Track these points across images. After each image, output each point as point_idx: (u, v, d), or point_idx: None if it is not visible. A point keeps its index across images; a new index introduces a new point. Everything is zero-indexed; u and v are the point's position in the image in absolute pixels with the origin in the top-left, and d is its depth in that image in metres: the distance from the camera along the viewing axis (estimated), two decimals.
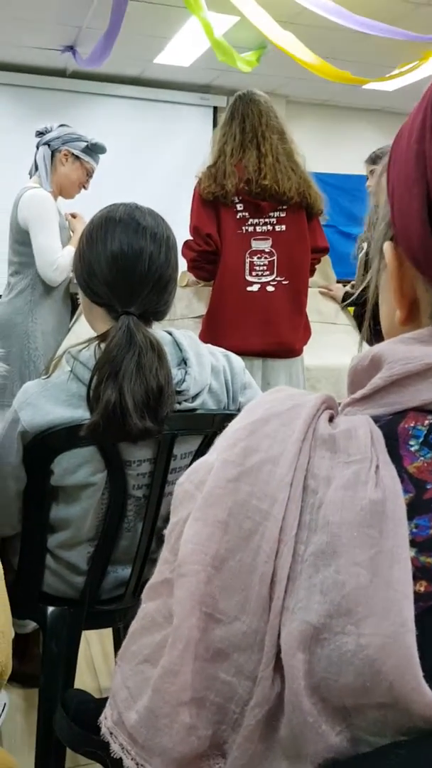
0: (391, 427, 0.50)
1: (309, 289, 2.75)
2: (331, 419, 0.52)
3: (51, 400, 1.27)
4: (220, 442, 0.53)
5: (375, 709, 0.43)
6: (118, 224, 1.29)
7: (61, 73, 6.13)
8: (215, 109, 6.52)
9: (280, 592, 0.46)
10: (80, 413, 1.25)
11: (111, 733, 0.53)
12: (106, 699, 1.42)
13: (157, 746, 0.49)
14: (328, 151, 6.76)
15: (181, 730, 0.48)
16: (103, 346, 1.26)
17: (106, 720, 0.54)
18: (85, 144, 2.83)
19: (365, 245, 3.35)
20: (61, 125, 2.87)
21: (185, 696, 0.48)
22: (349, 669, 0.42)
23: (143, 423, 1.20)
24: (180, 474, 1.40)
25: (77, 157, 2.83)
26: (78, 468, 1.30)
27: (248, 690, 0.47)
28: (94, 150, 2.86)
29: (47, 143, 2.81)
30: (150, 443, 1.31)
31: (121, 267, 1.27)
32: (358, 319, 3.39)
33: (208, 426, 1.38)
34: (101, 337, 1.29)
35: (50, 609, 1.44)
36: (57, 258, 2.73)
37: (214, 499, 0.49)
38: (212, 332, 2.53)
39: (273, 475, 0.48)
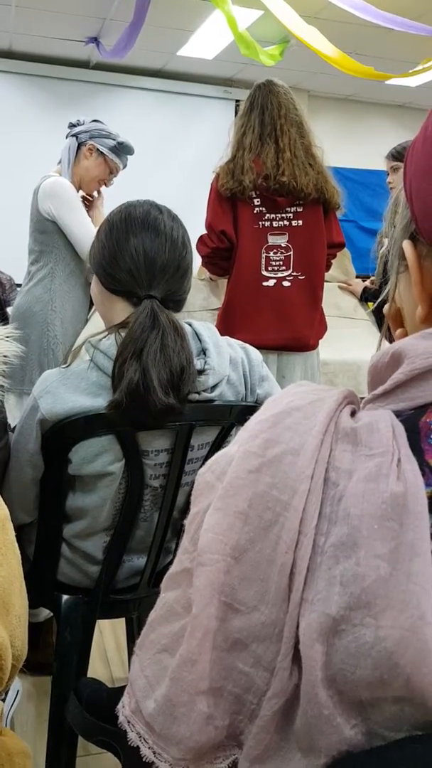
0: (412, 422, 0.50)
1: (328, 284, 2.74)
2: (352, 414, 0.52)
3: (71, 388, 1.29)
4: (242, 433, 0.53)
5: (391, 703, 0.43)
6: (138, 222, 1.34)
7: (84, 64, 6.14)
8: (237, 102, 6.50)
9: (299, 583, 0.46)
10: (100, 402, 1.27)
11: (128, 722, 0.53)
12: (118, 689, 1.44)
13: (174, 735, 0.50)
14: (350, 146, 6.72)
15: (199, 719, 0.49)
16: (123, 332, 1.28)
17: (124, 708, 0.55)
18: (113, 143, 2.83)
19: (385, 241, 3.33)
20: (94, 120, 2.87)
21: (203, 685, 0.48)
22: (366, 661, 0.43)
23: (167, 399, 1.21)
24: (197, 465, 1.41)
25: (102, 153, 2.83)
26: (96, 457, 1.32)
27: (266, 681, 0.47)
28: (122, 150, 2.85)
29: (75, 135, 2.83)
30: (167, 433, 1.32)
31: (143, 258, 1.31)
32: (377, 315, 3.39)
33: (225, 417, 1.39)
34: (121, 325, 1.31)
35: (65, 597, 1.44)
36: None
37: (234, 489, 0.50)
38: (227, 326, 2.53)
39: (294, 467, 0.48)
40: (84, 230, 2.74)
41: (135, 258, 1.32)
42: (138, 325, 1.25)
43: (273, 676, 0.47)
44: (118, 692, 1.35)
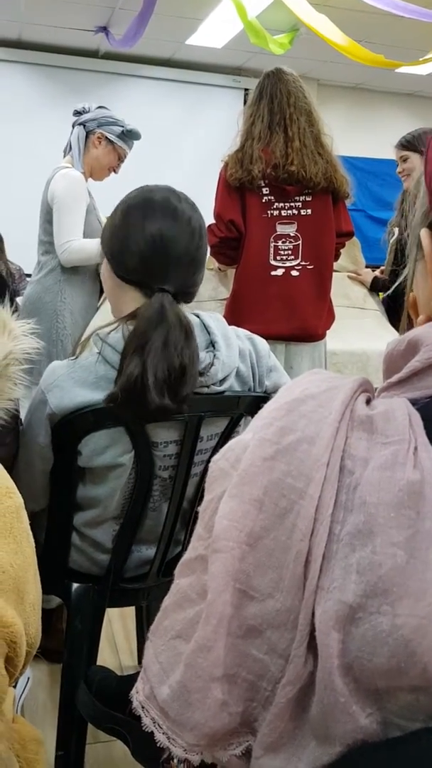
0: (429, 410, 0.50)
1: (337, 274, 2.73)
2: (368, 402, 0.52)
3: (78, 382, 1.28)
4: (256, 421, 0.53)
5: (407, 692, 0.43)
6: (156, 207, 1.31)
7: (93, 53, 6.12)
8: (246, 91, 6.46)
9: (315, 571, 0.46)
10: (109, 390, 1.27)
11: (143, 707, 0.53)
12: (128, 677, 1.45)
13: (188, 721, 0.50)
14: (360, 135, 6.68)
15: (213, 705, 0.49)
16: (131, 325, 1.27)
17: (138, 694, 0.55)
18: (121, 129, 2.82)
19: (396, 230, 3.32)
20: (100, 107, 2.86)
21: (217, 672, 0.49)
22: (383, 649, 0.43)
23: (161, 400, 1.20)
24: (205, 456, 1.42)
25: (111, 141, 2.82)
26: (106, 449, 1.32)
27: (280, 668, 0.47)
28: (129, 136, 2.85)
29: (83, 124, 2.82)
30: (176, 425, 1.32)
31: (159, 246, 1.29)
32: (387, 305, 3.37)
33: (234, 408, 1.39)
34: (130, 317, 1.30)
35: (75, 586, 1.45)
36: (72, 240, 2.72)
37: (249, 477, 0.50)
38: (235, 315, 2.53)
39: (309, 455, 0.48)
40: (65, 224, 2.73)
41: (150, 246, 1.28)
42: (144, 320, 1.24)
43: (288, 664, 0.47)
44: (128, 680, 1.36)
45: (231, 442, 0.55)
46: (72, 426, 1.30)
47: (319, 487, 0.47)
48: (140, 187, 1.38)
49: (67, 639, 1.45)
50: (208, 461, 1.43)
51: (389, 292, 3.27)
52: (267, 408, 0.54)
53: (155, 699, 0.52)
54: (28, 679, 1.07)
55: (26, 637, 0.65)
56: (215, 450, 1.43)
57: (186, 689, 0.50)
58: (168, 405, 1.21)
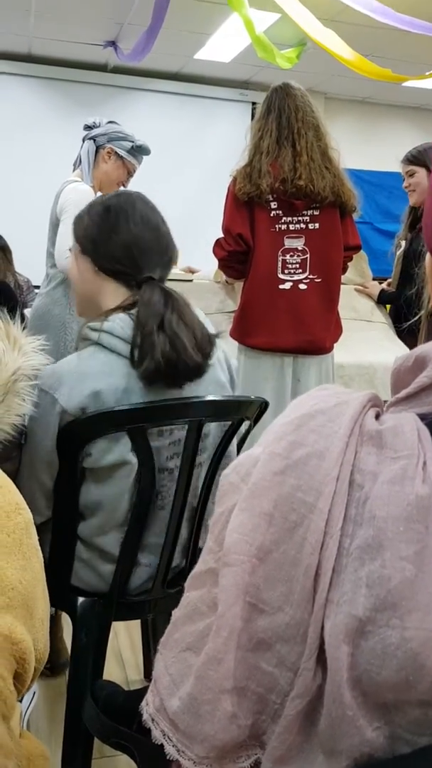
0: None
1: (344, 286, 2.74)
2: (377, 417, 0.53)
3: (83, 374, 1.32)
4: (267, 436, 0.54)
5: (416, 706, 0.43)
6: (137, 205, 1.44)
7: (102, 67, 6.18)
8: (254, 104, 6.51)
9: (324, 584, 0.46)
10: (114, 380, 1.32)
11: (152, 720, 0.54)
12: (135, 691, 1.44)
13: (198, 733, 0.50)
14: (367, 148, 6.71)
15: (223, 718, 0.49)
16: (128, 313, 1.35)
17: (148, 706, 0.55)
18: (131, 145, 2.85)
19: (402, 243, 3.33)
20: (110, 122, 2.89)
21: (227, 684, 0.49)
22: (392, 662, 0.43)
23: (198, 358, 1.34)
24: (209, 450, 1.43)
25: (120, 156, 2.85)
26: (113, 446, 1.33)
27: (289, 681, 0.48)
28: (138, 151, 2.87)
29: (93, 138, 2.84)
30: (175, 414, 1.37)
31: (145, 238, 1.41)
32: (394, 318, 3.38)
33: (236, 412, 1.43)
34: (124, 308, 1.36)
35: (80, 599, 1.45)
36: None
37: (260, 491, 0.50)
38: (243, 328, 2.54)
39: (319, 469, 0.49)
40: (67, 233, 2.75)
41: (136, 238, 1.40)
42: (154, 302, 1.34)
43: (297, 677, 0.47)
44: (135, 695, 1.35)
45: (241, 457, 0.56)
46: (77, 431, 1.32)
47: (328, 501, 0.47)
48: (113, 191, 1.51)
49: (73, 653, 1.44)
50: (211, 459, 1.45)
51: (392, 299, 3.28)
52: (277, 423, 0.54)
53: (165, 711, 0.52)
54: (34, 693, 1.07)
55: (35, 652, 0.66)
56: (219, 447, 1.46)
57: (196, 701, 0.50)
58: (201, 362, 1.36)
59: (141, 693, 1.32)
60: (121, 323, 1.34)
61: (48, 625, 0.70)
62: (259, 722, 0.49)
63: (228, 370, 1.53)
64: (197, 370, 1.35)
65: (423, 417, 0.51)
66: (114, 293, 1.42)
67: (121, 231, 1.40)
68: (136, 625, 2.19)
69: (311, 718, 0.47)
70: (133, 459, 1.34)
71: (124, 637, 2.30)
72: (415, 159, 3.07)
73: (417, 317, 0.67)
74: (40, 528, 1.45)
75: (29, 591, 0.66)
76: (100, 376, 1.32)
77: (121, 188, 1.37)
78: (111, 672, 2.08)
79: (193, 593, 0.55)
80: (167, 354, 1.30)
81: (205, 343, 1.38)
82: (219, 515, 0.54)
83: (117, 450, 1.33)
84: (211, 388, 1.44)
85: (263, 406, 1.51)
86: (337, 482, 0.48)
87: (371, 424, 0.51)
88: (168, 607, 1.65)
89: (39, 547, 0.73)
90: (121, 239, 1.40)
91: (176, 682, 0.52)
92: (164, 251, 1.44)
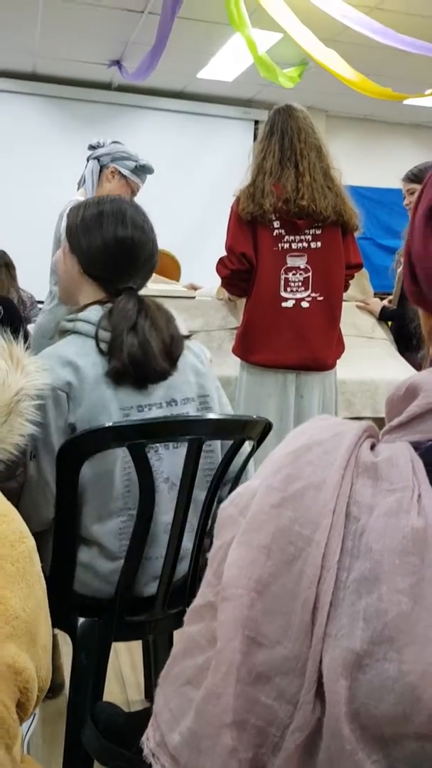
0: (430, 456, 0.51)
1: (346, 303, 2.75)
2: (372, 447, 0.53)
3: (61, 356, 1.40)
4: (264, 468, 0.54)
5: (413, 739, 0.43)
6: (128, 215, 1.51)
7: (106, 86, 6.24)
8: (256, 122, 6.57)
9: (322, 618, 0.46)
10: (91, 359, 1.40)
11: (153, 755, 0.53)
12: (135, 713, 1.42)
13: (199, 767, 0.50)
14: (367, 164, 6.75)
15: (223, 752, 0.49)
16: (103, 306, 1.45)
17: (149, 741, 0.55)
18: (134, 164, 2.87)
19: (403, 260, 3.34)
20: (114, 142, 2.91)
21: (227, 718, 0.49)
22: (389, 696, 0.43)
23: (164, 364, 1.44)
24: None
25: (124, 176, 2.87)
26: (97, 415, 1.38)
27: (288, 714, 0.47)
28: (142, 171, 2.89)
29: (97, 158, 2.87)
30: (160, 387, 1.46)
31: (128, 250, 1.49)
32: (395, 334, 3.39)
33: (239, 432, 1.45)
34: (100, 303, 1.47)
35: (81, 620, 1.44)
36: None
37: (257, 524, 0.51)
38: (246, 346, 2.55)
39: (316, 502, 0.49)
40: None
41: (121, 250, 1.49)
42: (128, 309, 1.43)
43: (296, 710, 0.47)
44: (135, 717, 1.34)
45: (239, 489, 0.56)
46: (76, 448, 1.34)
47: (325, 533, 0.48)
48: (103, 196, 1.59)
49: (73, 674, 1.43)
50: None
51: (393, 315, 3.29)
52: (275, 454, 0.54)
53: (166, 746, 0.53)
54: (34, 715, 1.07)
55: (37, 680, 0.66)
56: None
57: (197, 736, 0.50)
58: (167, 369, 1.45)
59: (141, 715, 1.32)
60: (96, 313, 1.45)
61: (50, 652, 0.71)
62: (259, 755, 0.49)
63: (202, 361, 1.60)
64: (163, 375, 1.44)
65: (416, 446, 0.52)
66: (94, 294, 1.52)
67: (110, 238, 1.48)
68: (137, 644, 2.17)
69: (311, 751, 0.47)
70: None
71: (125, 657, 2.29)
72: (416, 177, 3.09)
73: (416, 332, 0.67)
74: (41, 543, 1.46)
75: (32, 619, 0.66)
76: (77, 356, 1.40)
77: (113, 195, 1.46)
78: (112, 692, 2.07)
79: (192, 627, 0.55)
80: (135, 355, 1.39)
81: (175, 348, 1.47)
82: (217, 548, 0.55)
83: (102, 419, 1.38)
84: (183, 377, 1.50)
85: (267, 427, 1.51)
86: (333, 515, 0.48)
87: (366, 455, 0.51)
88: (169, 628, 1.65)
89: (41, 574, 0.74)
90: (108, 246, 1.48)
91: (176, 717, 0.52)
92: (148, 260, 1.54)
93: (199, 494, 1.47)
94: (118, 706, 1.35)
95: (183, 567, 1.50)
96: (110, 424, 1.39)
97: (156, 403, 1.46)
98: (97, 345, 1.41)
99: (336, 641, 0.45)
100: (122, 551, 1.42)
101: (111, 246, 1.48)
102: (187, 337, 1.55)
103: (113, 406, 1.40)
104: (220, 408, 1.60)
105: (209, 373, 1.59)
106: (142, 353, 1.40)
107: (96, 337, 1.41)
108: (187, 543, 1.47)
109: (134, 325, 1.41)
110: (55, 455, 1.38)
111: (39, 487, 1.41)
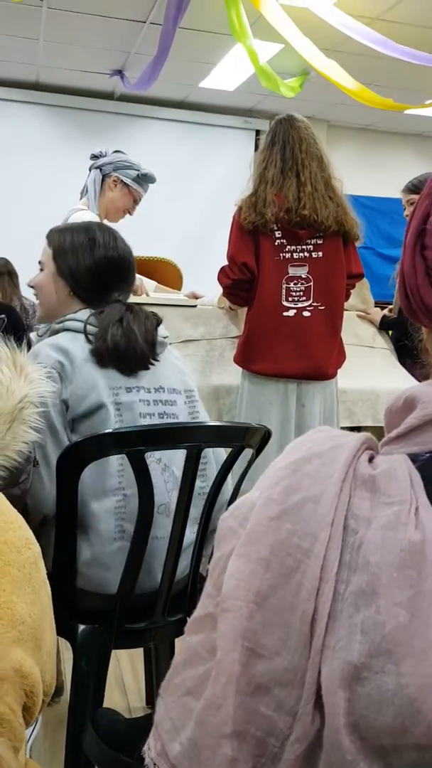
0: (429, 469, 0.51)
1: (347, 313, 2.76)
2: (371, 459, 0.54)
3: (52, 344, 1.49)
4: (263, 480, 0.55)
5: (412, 749, 0.43)
6: (114, 234, 1.64)
7: (108, 95, 6.28)
8: (257, 132, 6.60)
9: (320, 630, 0.46)
10: (78, 344, 1.49)
11: (154, 764, 0.54)
12: (136, 719, 1.42)
13: None
14: (369, 174, 6.78)
15: (223, 762, 0.49)
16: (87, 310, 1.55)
17: (150, 751, 0.55)
18: (136, 173, 2.89)
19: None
20: (116, 151, 2.93)
21: (227, 729, 0.49)
22: (388, 708, 0.43)
23: (146, 350, 1.53)
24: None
25: (126, 185, 2.89)
26: (89, 393, 1.44)
27: (288, 725, 0.48)
28: (144, 180, 2.91)
29: (99, 167, 2.88)
30: (148, 373, 1.56)
31: (115, 264, 1.61)
32: (395, 343, 3.40)
33: (240, 439, 1.45)
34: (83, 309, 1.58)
35: (81, 627, 1.44)
36: None
37: (256, 536, 0.51)
38: (247, 355, 2.56)
39: (314, 514, 0.49)
40: None
41: (110, 267, 1.60)
42: (116, 308, 1.55)
43: (295, 721, 0.47)
44: (136, 723, 1.34)
45: (239, 501, 0.57)
46: (75, 454, 1.35)
47: (324, 546, 0.48)
48: (84, 223, 1.73)
49: (74, 681, 1.43)
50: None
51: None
52: (274, 466, 0.55)
53: (167, 755, 0.53)
54: (37, 720, 1.07)
55: (42, 685, 0.66)
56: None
57: (197, 746, 0.50)
58: (148, 354, 1.54)
59: (142, 721, 1.32)
60: (85, 313, 1.55)
61: (55, 658, 0.71)
62: (259, 765, 0.49)
63: (183, 363, 1.69)
64: (145, 360, 1.54)
65: (414, 457, 0.52)
66: (79, 311, 1.60)
67: (101, 258, 1.60)
68: (138, 651, 2.17)
69: (311, 761, 0.47)
70: (108, 402, 1.46)
71: (126, 664, 2.29)
72: (416, 188, 3.11)
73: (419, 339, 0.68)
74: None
75: (38, 624, 0.67)
76: (67, 342, 1.49)
77: (87, 221, 1.65)
78: (113, 699, 2.07)
79: (193, 638, 0.55)
80: (117, 341, 1.49)
81: (156, 338, 1.58)
82: (217, 560, 0.55)
83: (93, 395, 1.45)
84: (168, 371, 1.60)
85: (266, 435, 1.52)
86: (331, 527, 0.48)
87: (365, 468, 0.52)
88: (169, 636, 1.65)
89: (47, 580, 0.74)
90: (98, 266, 1.60)
91: (177, 727, 0.53)
92: (131, 274, 1.68)
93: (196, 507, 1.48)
94: (118, 712, 1.36)
95: (183, 565, 1.50)
96: (110, 430, 1.41)
97: (144, 387, 1.54)
98: (86, 335, 1.51)
99: (334, 653, 0.46)
100: (118, 533, 1.43)
101: (101, 266, 1.59)
102: (165, 337, 1.65)
103: (102, 384, 1.47)
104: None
105: (190, 374, 1.69)
106: (125, 339, 1.50)
107: (84, 331, 1.51)
108: (190, 534, 1.49)
109: (120, 319, 1.52)
110: (56, 434, 1.43)
111: (38, 473, 1.44)
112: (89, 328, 1.52)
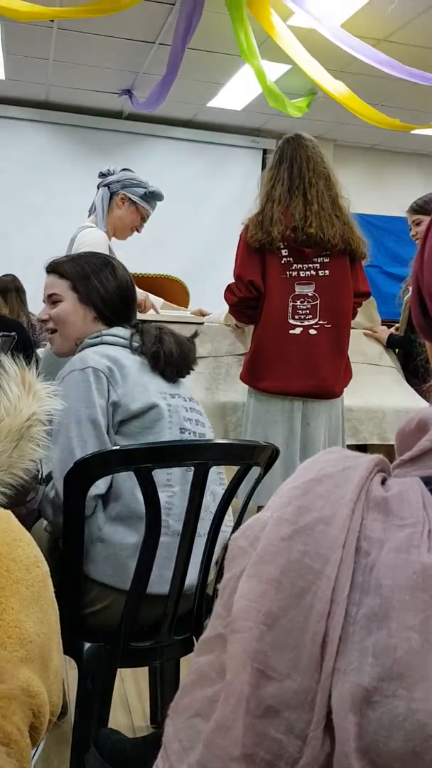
0: None
1: (354, 331, 2.76)
2: (383, 481, 0.53)
3: (99, 352, 1.54)
4: (275, 500, 0.54)
5: None
6: (115, 264, 1.71)
7: (117, 114, 6.35)
8: (265, 151, 6.65)
9: (331, 652, 0.46)
10: (124, 353, 1.55)
11: None
12: (140, 739, 1.40)
13: None
14: (375, 193, 6.82)
15: None
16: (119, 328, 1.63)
17: None
18: (144, 191, 2.91)
19: (410, 288, 3.35)
20: (124, 169, 2.95)
21: (236, 751, 0.48)
22: (399, 733, 0.43)
23: (191, 359, 1.65)
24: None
25: (133, 202, 2.91)
26: (138, 394, 1.50)
27: (298, 748, 0.47)
28: (152, 197, 2.93)
29: (107, 185, 2.91)
30: (181, 384, 1.64)
31: (131, 287, 1.71)
32: (402, 362, 3.39)
33: (248, 457, 1.46)
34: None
35: (86, 645, 1.44)
36: None
37: (268, 556, 0.51)
38: (253, 372, 2.56)
39: (326, 535, 0.49)
40: None
41: (129, 289, 1.70)
42: (151, 327, 1.64)
43: (305, 745, 0.47)
44: (141, 742, 1.33)
45: (250, 520, 0.56)
46: (84, 470, 1.35)
47: (335, 568, 0.48)
48: (82, 252, 1.84)
49: (78, 700, 1.43)
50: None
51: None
52: (285, 487, 0.55)
53: None
54: (42, 740, 1.06)
55: (49, 704, 0.66)
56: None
57: None
58: (191, 364, 1.66)
59: (147, 741, 1.31)
60: (121, 330, 1.63)
61: (62, 678, 0.71)
62: None
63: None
64: (189, 368, 1.65)
65: (427, 481, 0.52)
66: (116, 328, 1.66)
67: (124, 281, 1.69)
68: (143, 671, 2.16)
69: None
70: (162, 403, 1.52)
71: (131, 683, 2.27)
72: (421, 208, 3.12)
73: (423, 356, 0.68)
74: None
75: (45, 643, 0.67)
76: (114, 351, 1.55)
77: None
78: (117, 719, 2.05)
79: (202, 659, 0.55)
80: (172, 347, 1.59)
81: (190, 353, 1.67)
82: (228, 580, 0.54)
83: (144, 397, 1.50)
84: (190, 392, 1.68)
85: (274, 453, 1.52)
86: (343, 549, 0.48)
87: (377, 490, 0.51)
88: (175, 655, 1.64)
89: (54, 599, 0.74)
90: (122, 289, 1.68)
91: (186, 749, 0.52)
92: (136, 296, 1.77)
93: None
94: (122, 732, 1.34)
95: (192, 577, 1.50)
96: (117, 447, 1.41)
97: (182, 395, 1.61)
98: (131, 347, 1.58)
99: (345, 676, 0.45)
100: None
101: (123, 286, 1.68)
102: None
103: (152, 387, 1.53)
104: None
105: None
106: (179, 348, 1.61)
107: (130, 345, 1.59)
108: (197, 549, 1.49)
109: (161, 339, 1.61)
110: (100, 429, 1.45)
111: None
112: (133, 344, 1.59)
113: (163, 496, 1.40)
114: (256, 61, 3.90)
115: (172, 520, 1.44)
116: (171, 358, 1.58)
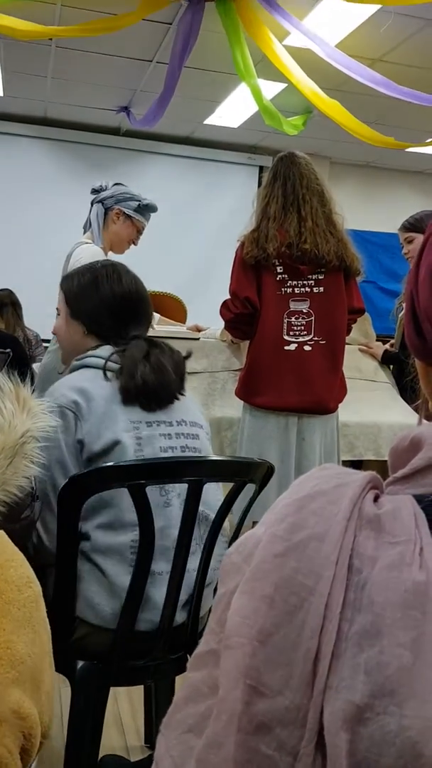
0: None
1: (349, 346, 2.77)
2: (376, 499, 0.53)
3: (69, 382, 1.50)
4: (269, 516, 0.55)
5: None
6: (122, 274, 1.65)
7: (115, 131, 6.39)
8: (261, 168, 6.70)
9: (323, 669, 0.46)
10: (99, 383, 1.49)
11: None
12: (141, 762, 1.38)
13: None
14: (370, 210, 6.87)
15: None
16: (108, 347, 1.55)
17: None
18: (137, 204, 2.93)
19: (404, 305, 3.36)
20: (116, 184, 2.97)
21: None
22: (390, 750, 0.43)
23: (177, 387, 1.55)
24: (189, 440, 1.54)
25: (128, 216, 2.93)
26: (103, 431, 1.44)
27: (289, 765, 0.47)
28: (146, 209, 2.95)
29: (101, 201, 2.92)
30: (170, 410, 1.55)
31: (128, 300, 1.62)
32: (397, 378, 3.40)
33: (244, 474, 1.46)
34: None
35: (80, 664, 1.42)
36: None
37: (261, 573, 0.51)
38: (249, 388, 2.57)
39: (319, 552, 0.49)
40: None
41: (123, 303, 1.61)
42: (140, 344, 1.54)
43: (296, 762, 0.47)
44: (141, 766, 1.30)
45: (244, 536, 0.56)
46: (77, 486, 1.35)
47: (328, 585, 0.48)
48: (91, 263, 1.72)
49: (71, 719, 1.41)
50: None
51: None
52: (279, 503, 0.55)
53: None
54: (35, 759, 1.06)
55: (40, 726, 0.66)
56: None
57: None
58: (177, 391, 1.56)
59: (146, 765, 1.29)
60: (107, 350, 1.55)
61: (53, 699, 0.71)
62: None
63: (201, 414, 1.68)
64: (171, 398, 1.54)
65: (420, 499, 0.52)
66: (101, 347, 1.60)
67: (108, 296, 1.61)
68: (137, 689, 2.14)
69: None
70: (125, 439, 1.44)
71: (125, 702, 2.25)
72: (413, 226, 3.14)
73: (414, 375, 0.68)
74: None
75: (37, 664, 0.67)
76: (85, 381, 1.49)
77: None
78: (111, 738, 2.03)
79: (195, 674, 0.55)
80: (147, 377, 1.48)
81: (183, 370, 1.59)
82: (221, 596, 0.55)
83: (108, 433, 1.44)
84: (189, 403, 1.61)
85: (269, 470, 1.52)
86: (336, 566, 0.48)
87: (370, 507, 0.51)
88: (170, 673, 1.63)
89: (47, 620, 0.74)
90: (109, 304, 1.61)
91: (177, 765, 0.52)
92: (146, 309, 1.68)
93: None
94: (124, 757, 1.33)
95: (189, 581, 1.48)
96: (112, 463, 1.41)
97: (165, 421, 1.52)
98: (104, 374, 1.50)
99: (337, 693, 0.45)
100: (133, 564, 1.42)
101: (107, 301, 1.61)
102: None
103: (122, 419, 1.46)
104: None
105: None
106: (154, 375, 1.49)
107: (104, 368, 1.50)
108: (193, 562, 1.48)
109: (147, 355, 1.52)
110: (67, 473, 1.42)
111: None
112: (110, 365, 1.51)
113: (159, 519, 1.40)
114: (252, 79, 3.94)
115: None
116: (144, 388, 1.48)
